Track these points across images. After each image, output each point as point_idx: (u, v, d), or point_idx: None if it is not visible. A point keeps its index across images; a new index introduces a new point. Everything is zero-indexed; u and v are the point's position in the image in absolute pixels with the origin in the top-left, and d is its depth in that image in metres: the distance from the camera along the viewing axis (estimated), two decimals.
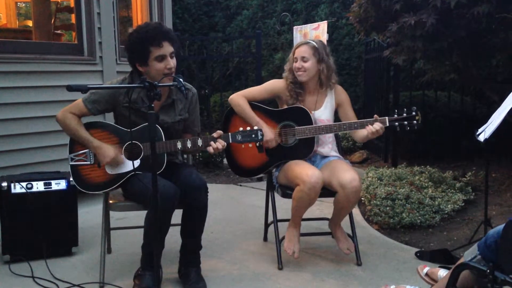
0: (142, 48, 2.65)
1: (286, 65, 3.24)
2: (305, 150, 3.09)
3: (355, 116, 3.21)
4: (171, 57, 2.71)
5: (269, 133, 3.04)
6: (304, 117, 3.06)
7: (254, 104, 3.18)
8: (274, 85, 3.24)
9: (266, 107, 3.18)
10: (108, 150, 2.70)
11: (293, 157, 3.08)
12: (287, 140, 3.11)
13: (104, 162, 2.71)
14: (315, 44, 3.14)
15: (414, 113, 2.92)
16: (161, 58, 2.67)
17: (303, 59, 3.10)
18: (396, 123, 2.94)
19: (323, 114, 3.17)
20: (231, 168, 3.28)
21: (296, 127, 3.07)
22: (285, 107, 3.16)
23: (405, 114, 2.94)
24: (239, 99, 3.16)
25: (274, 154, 3.13)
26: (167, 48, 2.68)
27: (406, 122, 2.93)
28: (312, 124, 3.04)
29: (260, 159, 3.16)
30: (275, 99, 3.28)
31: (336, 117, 3.27)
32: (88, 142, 2.72)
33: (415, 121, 2.92)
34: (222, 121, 3.26)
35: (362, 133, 3.06)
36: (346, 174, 2.88)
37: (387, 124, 2.92)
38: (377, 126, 2.91)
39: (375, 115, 2.96)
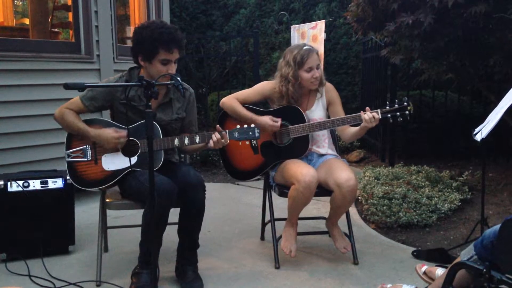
0: (152, 47, 2.66)
1: (283, 71, 3.11)
2: (300, 148, 3.09)
3: (344, 115, 3.20)
4: (175, 63, 2.73)
5: (268, 121, 3.02)
6: (297, 116, 3.06)
7: (247, 107, 3.18)
8: (264, 87, 3.23)
9: (258, 109, 3.18)
10: (109, 134, 2.69)
11: (289, 156, 3.08)
12: (282, 140, 3.11)
13: (110, 146, 2.69)
14: (313, 48, 3.14)
15: (406, 103, 2.91)
16: (166, 62, 2.69)
17: (318, 67, 3.10)
18: (389, 115, 2.93)
19: (315, 113, 3.18)
20: (228, 172, 3.28)
21: (290, 126, 3.07)
22: (277, 107, 3.16)
23: (396, 105, 2.93)
24: (230, 101, 3.15)
25: (270, 154, 3.13)
26: (175, 55, 2.71)
27: (398, 113, 2.92)
28: (305, 122, 3.04)
29: (256, 161, 3.16)
30: (267, 100, 3.28)
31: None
32: (87, 133, 2.73)
33: (407, 112, 2.91)
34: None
35: (350, 131, 3.06)
36: (342, 173, 2.88)
37: (380, 116, 2.91)
38: (370, 114, 2.89)
39: (367, 107, 2.95)
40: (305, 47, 3.10)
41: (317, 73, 3.08)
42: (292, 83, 3.08)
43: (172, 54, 2.69)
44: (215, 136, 2.69)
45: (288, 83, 3.09)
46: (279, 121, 3.04)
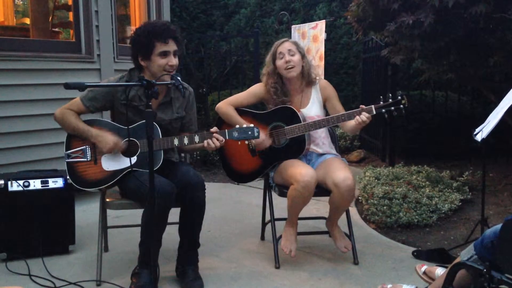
0: (147, 41, 2.67)
1: (264, 69, 3.22)
2: (297, 149, 3.08)
3: (343, 109, 3.20)
4: (174, 56, 2.72)
5: (260, 138, 3.02)
6: (293, 116, 3.06)
7: (242, 109, 3.19)
8: (258, 88, 3.25)
9: (253, 111, 3.19)
10: (108, 137, 2.70)
11: (286, 157, 3.08)
12: (279, 141, 3.11)
13: (106, 149, 2.70)
14: (295, 40, 3.17)
15: (400, 97, 2.88)
16: (165, 54, 2.69)
17: (290, 53, 3.10)
18: (383, 110, 2.91)
19: (311, 110, 3.18)
20: (228, 174, 3.29)
21: (285, 127, 3.06)
22: (272, 108, 3.16)
23: (390, 100, 2.90)
24: (224, 107, 3.18)
25: (268, 156, 3.12)
26: (172, 46, 2.71)
27: (393, 108, 2.88)
28: (300, 122, 3.04)
29: (254, 163, 3.16)
30: (263, 102, 3.28)
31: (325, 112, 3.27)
32: (87, 133, 2.73)
33: (401, 106, 2.89)
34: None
35: (350, 124, 3.04)
36: (339, 173, 2.87)
37: (374, 112, 2.88)
38: (364, 117, 2.88)
39: (361, 105, 2.94)
40: (280, 40, 3.21)
41: (287, 57, 3.09)
42: (271, 75, 3.14)
43: (169, 45, 2.69)
44: (213, 142, 2.67)
45: (269, 78, 3.16)
46: (269, 143, 3.06)
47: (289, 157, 3.08)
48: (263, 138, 3.05)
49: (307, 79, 3.18)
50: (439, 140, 5.70)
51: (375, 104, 2.91)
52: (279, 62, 3.12)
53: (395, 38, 4.23)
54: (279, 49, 3.14)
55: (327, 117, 3.05)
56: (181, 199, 2.70)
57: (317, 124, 3.01)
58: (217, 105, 3.22)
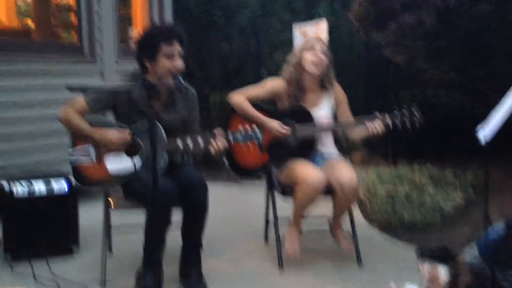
0: (152, 42, 2.68)
1: (291, 58, 3.20)
2: (307, 149, 3.08)
3: (351, 115, 3.21)
4: (180, 57, 2.73)
5: (277, 127, 3.02)
6: (305, 117, 3.06)
7: (254, 105, 3.17)
8: (274, 84, 3.23)
9: (266, 107, 3.18)
10: (113, 135, 2.70)
11: (295, 156, 3.08)
12: (289, 140, 3.11)
13: (115, 147, 2.70)
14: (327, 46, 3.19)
15: (415, 111, 2.92)
16: (170, 55, 2.69)
17: (323, 51, 3.11)
18: (397, 121, 2.93)
19: (322, 112, 3.17)
20: (232, 169, 3.27)
21: (297, 127, 3.06)
22: (285, 106, 3.16)
23: (405, 112, 2.93)
24: (240, 99, 3.14)
25: (276, 154, 3.12)
26: (177, 47, 2.71)
27: (407, 120, 2.93)
28: (313, 123, 3.03)
29: (261, 159, 3.15)
30: (274, 98, 3.27)
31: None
32: (91, 135, 2.73)
33: (415, 118, 2.92)
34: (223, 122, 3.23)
35: (360, 133, 3.05)
36: (344, 173, 2.88)
37: (388, 122, 2.92)
38: (378, 126, 2.90)
39: (376, 112, 2.95)
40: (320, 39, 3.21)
41: (319, 54, 3.09)
42: (296, 66, 3.12)
43: (173, 46, 2.69)
44: (220, 141, 2.66)
45: (295, 68, 3.13)
46: (288, 130, 3.04)
47: (298, 157, 3.06)
48: (278, 129, 3.01)
49: (325, 83, 3.18)
50: (441, 139, 5.69)
51: (390, 114, 2.93)
52: (308, 54, 3.10)
53: (396, 38, 4.24)
54: (314, 42, 3.15)
55: (340, 121, 3.05)
56: (183, 201, 2.70)
57: (329, 127, 3.02)
58: (232, 96, 3.16)
